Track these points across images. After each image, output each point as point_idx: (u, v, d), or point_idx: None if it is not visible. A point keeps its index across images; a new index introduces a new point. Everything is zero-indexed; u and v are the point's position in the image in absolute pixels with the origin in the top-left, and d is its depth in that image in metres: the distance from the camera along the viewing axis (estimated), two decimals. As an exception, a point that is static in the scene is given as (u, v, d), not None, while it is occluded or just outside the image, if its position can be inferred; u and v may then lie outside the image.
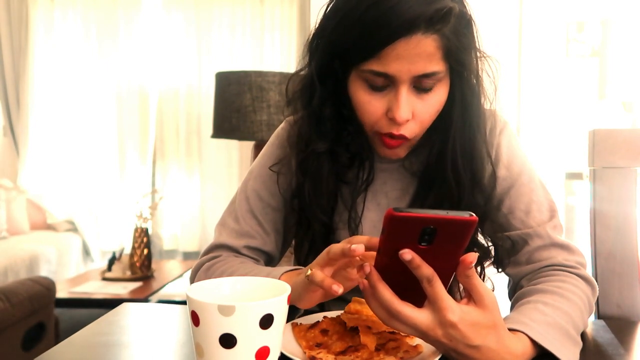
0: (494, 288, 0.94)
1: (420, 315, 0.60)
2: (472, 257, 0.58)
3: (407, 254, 0.57)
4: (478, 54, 0.83)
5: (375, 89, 0.79)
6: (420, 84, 0.78)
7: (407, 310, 0.60)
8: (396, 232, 0.57)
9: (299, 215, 0.92)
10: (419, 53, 0.74)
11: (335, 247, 0.67)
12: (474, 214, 0.55)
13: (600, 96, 3.01)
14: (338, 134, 0.87)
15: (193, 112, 4.20)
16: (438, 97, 0.80)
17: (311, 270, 0.68)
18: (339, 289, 0.65)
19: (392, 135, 0.81)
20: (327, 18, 0.82)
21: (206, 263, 0.93)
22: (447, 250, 0.58)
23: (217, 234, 0.97)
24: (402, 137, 0.81)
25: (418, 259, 0.57)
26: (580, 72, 3.57)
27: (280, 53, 4.11)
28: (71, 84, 4.21)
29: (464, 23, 0.78)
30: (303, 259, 0.94)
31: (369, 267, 0.61)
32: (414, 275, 0.59)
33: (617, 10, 3.11)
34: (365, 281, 0.62)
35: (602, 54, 2.95)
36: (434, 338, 0.60)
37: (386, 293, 0.60)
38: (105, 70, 4.20)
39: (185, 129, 4.24)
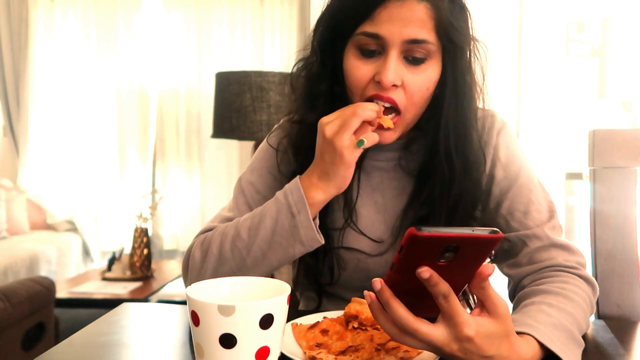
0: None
1: (436, 332, 0.58)
2: (490, 269, 0.58)
3: (426, 273, 0.55)
4: (471, 41, 0.85)
5: (366, 54, 0.81)
6: (411, 53, 0.80)
7: (423, 327, 0.58)
8: (416, 251, 0.54)
9: None
10: (411, 17, 0.77)
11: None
12: (499, 231, 0.53)
13: (600, 96, 3.01)
14: (328, 110, 0.87)
15: (193, 112, 4.20)
16: (429, 72, 0.82)
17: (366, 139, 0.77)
18: None
19: (379, 97, 0.81)
20: None
21: (197, 242, 0.90)
22: (466, 266, 0.56)
23: (208, 223, 0.96)
24: (391, 102, 0.81)
25: (436, 277, 0.56)
26: (580, 72, 3.57)
27: (280, 53, 4.11)
28: (71, 84, 4.20)
29: (458, 8, 0.82)
30: None
31: (379, 284, 0.59)
32: (427, 291, 0.57)
33: (617, 10, 3.11)
34: (373, 295, 0.60)
35: (602, 54, 2.95)
36: (448, 353, 0.59)
37: (401, 311, 0.58)
38: (105, 70, 4.20)
39: (185, 129, 4.24)
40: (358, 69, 0.82)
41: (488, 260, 0.92)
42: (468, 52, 0.85)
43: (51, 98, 4.22)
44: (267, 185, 0.96)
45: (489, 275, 0.58)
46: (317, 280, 0.95)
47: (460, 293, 0.60)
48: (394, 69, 0.79)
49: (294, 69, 0.94)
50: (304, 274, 0.97)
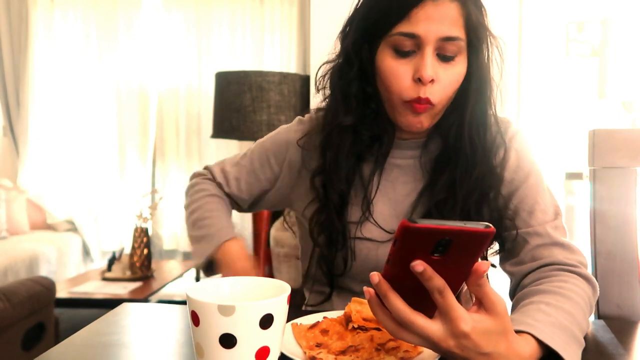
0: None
1: (432, 326, 0.58)
2: (485, 266, 0.57)
3: (419, 266, 0.55)
4: (488, 33, 0.90)
5: (402, 55, 0.85)
6: (444, 50, 0.84)
7: (420, 320, 0.58)
8: (410, 243, 0.54)
9: (318, 191, 0.96)
10: (445, 16, 0.82)
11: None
12: (491, 225, 0.53)
13: (600, 96, 3.01)
14: (362, 111, 0.92)
15: (193, 112, 4.20)
16: (458, 68, 0.86)
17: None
18: None
19: (419, 100, 0.85)
20: None
21: (193, 182, 1.16)
22: (460, 261, 0.56)
23: (216, 163, 1.13)
24: (428, 102, 0.84)
25: (430, 271, 0.56)
26: (580, 72, 3.57)
27: (280, 53, 4.11)
28: (71, 84, 4.21)
29: (479, 4, 0.88)
30: (316, 236, 0.96)
31: (377, 277, 0.59)
32: (423, 286, 0.57)
33: (617, 10, 3.11)
34: (372, 290, 0.60)
35: (602, 54, 2.95)
36: (445, 349, 0.59)
37: (398, 303, 0.58)
38: (105, 70, 4.20)
39: (185, 129, 4.24)
40: (397, 70, 0.85)
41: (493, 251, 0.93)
42: (487, 44, 0.90)
43: (51, 98, 4.22)
44: (262, 170, 1.03)
45: (484, 272, 0.58)
46: (330, 271, 0.96)
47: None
48: (431, 64, 0.83)
49: (321, 71, 0.97)
50: (317, 264, 0.98)
